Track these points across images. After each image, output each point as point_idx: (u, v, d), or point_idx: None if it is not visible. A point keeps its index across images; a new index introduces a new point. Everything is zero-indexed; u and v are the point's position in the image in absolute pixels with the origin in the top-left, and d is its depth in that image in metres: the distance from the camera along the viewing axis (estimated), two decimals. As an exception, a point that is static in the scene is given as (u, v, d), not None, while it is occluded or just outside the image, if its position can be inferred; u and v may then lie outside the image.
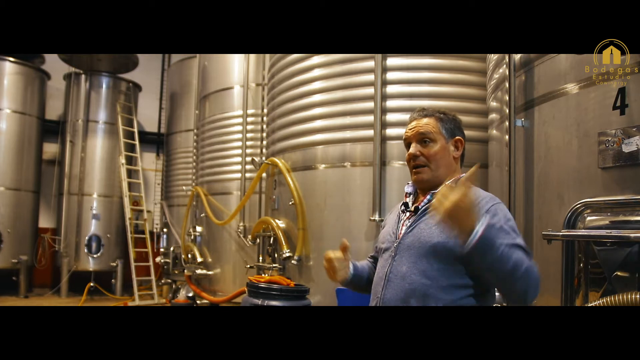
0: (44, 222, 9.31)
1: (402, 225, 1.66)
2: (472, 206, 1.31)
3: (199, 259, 6.01)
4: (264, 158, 4.45)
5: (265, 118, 5.02)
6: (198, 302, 6.25)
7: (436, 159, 1.63)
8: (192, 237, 6.32)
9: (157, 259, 7.73)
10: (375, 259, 1.83)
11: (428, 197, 1.63)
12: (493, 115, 2.71)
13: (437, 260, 1.51)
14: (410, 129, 1.69)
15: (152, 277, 8.33)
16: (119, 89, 9.29)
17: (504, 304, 2.17)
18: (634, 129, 1.59)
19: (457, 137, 1.68)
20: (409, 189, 1.73)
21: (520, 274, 1.36)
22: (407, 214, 1.67)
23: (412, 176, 1.68)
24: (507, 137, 2.21)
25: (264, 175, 4.63)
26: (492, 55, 2.67)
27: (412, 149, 1.66)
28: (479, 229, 1.31)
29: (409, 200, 1.70)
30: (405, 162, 1.72)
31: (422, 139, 1.65)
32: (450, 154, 1.66)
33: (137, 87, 9.64)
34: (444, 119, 1.68)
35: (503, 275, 1.36)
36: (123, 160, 8.73)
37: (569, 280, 1.78)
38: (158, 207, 9.66)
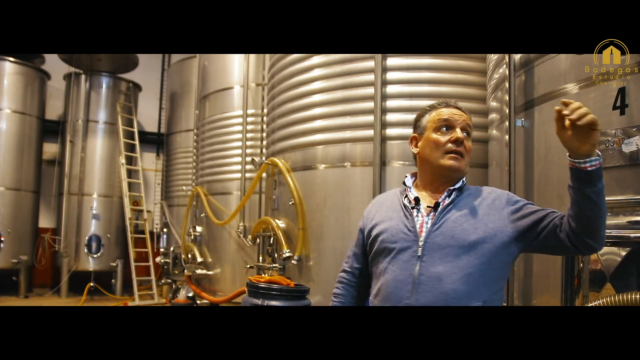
0: (44, 222, 9.31)
1: (422, 222, 1.52)
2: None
3: (199, 259, 6.01)
4: (264, 158, 4.45)
5: (265, 118, 5.02)
6: (198, 302, 6.25)
7: (469, 154, 1.59)
8: (192, 237, 6.32)
9: (157, 259, 7.73)
10: (358, 270, 1.71)
11: (446, 193, 1.55)
12: (493, 115, 2.71)
13: (477, 257, 1.44)
14: (454, 113, 1.59)
15: (152, 277, 8.33)
16: (119, 89, 9.29)
17: (504, 304, 2.17)
18: (634, 129, 1.59)
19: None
20: (409, 182, 1.64)
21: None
22: (421, 209, 1.55)
23: (447, 161, 1.54)
24: (507, 137, 2.21)
25: (264, 175, 4.63)
26: (492, 55, 2.67)
27: (459, 134, 1.55)
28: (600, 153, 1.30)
29: (410, 194, 1.59)
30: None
31: (465, 129, 1.59)
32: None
33: (137, 87, 9.64)
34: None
35: (600, 205, 1.32)
36: (123, 160, 8.73)
37: (569, 280, 1.78)
38: (158, 207, 9.66)
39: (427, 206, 1.56)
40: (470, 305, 1.43)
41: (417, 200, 1.57)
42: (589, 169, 1.30)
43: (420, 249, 1.48)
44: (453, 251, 1.46)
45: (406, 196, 1.61)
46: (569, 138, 1.31)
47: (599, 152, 1.31)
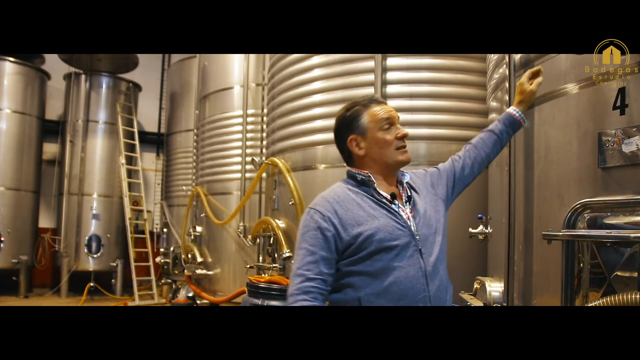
0: (44, 222, 9.31)
1: (407, 217, 1.60)
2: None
3: (199, 259, 6.01)
4: (264, 158, 4.45)
5: (265, 118, 5.02)
6: (198, 302, 6.25)
7: None
8: (192, 237, 6.32)
9: (157, 259, 7.73)
10: (329, 276, 1.52)
11: (405, 186, 1.69)
12: (493, 115, 2.71)
13: (442, 236, 1.66)
14: (390, 111, 1.71)
15: (152, 277, 8.34)
16: (119, 89, 9.30)
17: (504, 304, 2.17)
18: (634, 129, 1.59)
19: None
20: (403, 175, 1.72)
21: None
22: (398, 204, 1.62)
23: (400, 156, 1.66)
24: (507, 137, 2.20)
25: (264, 175, 4.63)
26: (492, 55, 2.67)
27: (405, 129, 1.70)
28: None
29: (382, 192, 1.63)
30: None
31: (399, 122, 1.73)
32: None
33: (137, 87, 9.65)
34: None
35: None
36: (123, 160, 8.74)
37: (569, 280, 1.78)
38: (158, 207, 9.67)
39: (405, 201, 1.66)
40: (449, 285, 1.63)
41: (393, 196, 1.63)
42: (523, 125, 1.93)
43: (419, 242, 1.57)
44: (433, 239, 1.62)
45: (372, 192, 1.62)
46: (531, 93, 1.89)
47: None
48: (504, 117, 1.91)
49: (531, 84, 1.89)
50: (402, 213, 1.60)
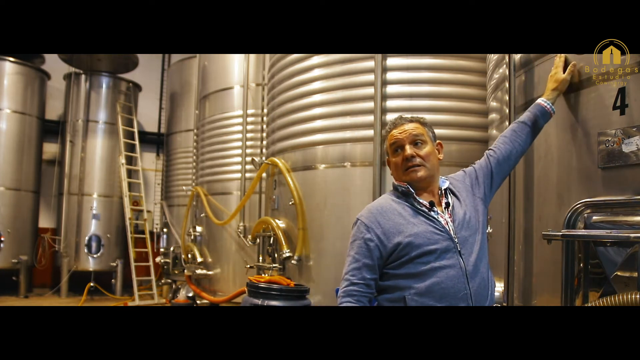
0: (44, 222, 9.31)
1: (445, 222, 1.73)
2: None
3: (199, 259, 6.01)
4: (264, 158, 4.45)
5: (265, 118, 5.02)
6: (198, 302, 6.25)
7: (430, 159, 1.78)
8: (192, 237, 6.32)
9: (157, 259, 7.73)
10: (373, 281, 1.70)
11: (443, 193, 1.80)
12: (493, 115, 2.71)
13: (482, 237, 1.77)
14: (400, 132, 1.80)
15: (152, 277, 8.33)
16: (119, 89, 9.29)
17: (504, 304, 2.17)
18: (634, 129, 1.59)
19: (438, 141, 1.89)
20: (404, 188, 1.78)
21: None
22: (437, 210, 1.75)
23: (405, 176, 1.77)
24: (507, 137, 2.20)
25: (264, 175, 4.63)
26: (492, 55, 2.67)
27: (408, 150, 1.76)
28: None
29: (422, 200, 1.76)
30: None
31: (415, 141, 1.78)
32: (436, 156, 1.83)
33: (137, 87, 9.64)
34: (426, 124, 1.87)
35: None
36: (123, 160, 8.73)
37: (569, 280, 1.78)
38: (158, 207, 9.67)
39: (444, 207, 1.77)
40: (491, 282, 1.74)
41: (431, 203, 1.75)
42: (552, 114, 1.89)
43: (458, 244, 1.69)
44: (473, 239, 1.73)
45: (412, 202, 1.76)
46: (565, 82, 1.84)
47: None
48: (535, 109, 1.91)
49: (565, 73, 1.86)
50: (440, 219, 1.73)
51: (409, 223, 1.71)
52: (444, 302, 1.62)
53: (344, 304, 1.66)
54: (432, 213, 1.73)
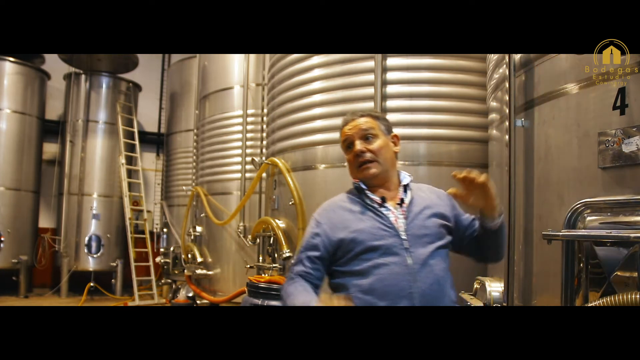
0: (44, 222, 9.30)
1: (395, 218, 1.66)
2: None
3: (199, 259, 6.01)
4: (264, 158, 4.45)
5: (265, 118, 5.02)
6: (198, 302, 6.25)
7: (382, 153, 1.72)
8: (192, 237, 6.32)
9: (157, 259, 7.73)
10: (319, 271, 1.69)
11: (401, 190, 1.73)
12: (493, 115, 2.71)
13: (444, 241, 1.69)
14: (349, 128, 1.75)
15: (152, 277, 8.33)
16: (119, 89, 9.29)
17: (504, 304, 2.17)
18: (634, 129, 1.59)
19: (393, 134, 1.82)
20: (360, 185, 1.74)
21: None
22: (389, 207, 1.69)
23: (358, 173, 1.73)
24: (507, 137, 2.21)
25: (264, 175, 4.63)
26: (492, 55, 2.67)
27: (357, 146, 1.71)
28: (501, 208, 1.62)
29: (374, 196, 1.71)
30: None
31: (365, 135, 1.73)
32: (392, 149, 1.78)
33: (137, 87, 9.64)
34: (379, 117, 1.81)
35: (501, 240, 1.76)
36: (123, 160, 8.73)
37: (569, 280, 1.78)
38: (158, 207, 9.66)
39: (397, 203, 1.71)
40: (447, 285, 1.65)
41: (383, 199, 1.70)
42: (494, 227, 1.69)
43: (406, 241, 1.62)
44: (429, 239, 1.65)
45: (364, 198, 1.72)
46: (476, 199, 1.62)
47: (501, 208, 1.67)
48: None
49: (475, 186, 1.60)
50: (390, 215, 1.67)
51: (356, 219, 1.68)
52: (386, 300, 1.56)
53: (287, 288, 1.66)
54: (382, 209, 1.68)
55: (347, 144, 1.76)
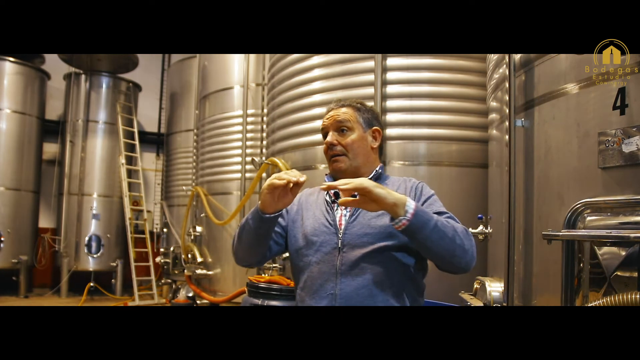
0: (44, 222, 9.31)
1: (341, 215, 1.61)
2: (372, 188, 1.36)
3: (199, 259, 6.01)
4: (264, 158, 4.45)
5: (265, 118, 5.02)
6: (198, 302, 6.25)
7: (353, 147, 1.66)
8: (192, 237, 6.32)
9: (157, 259, 7.73)
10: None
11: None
12: (493, 115, 2.71)
13: (393, 242, 1.52)
14: (327, 118, 1.72)
15: (152, 277, 8.33)
16: (119, 89, 9.29)
17: (504, 304, 2.17)
18: (634, 129, 1.59)
19: (375, 128, 1.72)
20: (329, 179, 1.70)
21: (463, 236, 1.47)
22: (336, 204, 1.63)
23: (330, 165, 1.69)
24: (507, 137, 2.21)
25: (264, 175, 4.63)
26: (492, 55, 2.67)
27: (329, 138, 1.68)
28: (410, 206, 1.37)
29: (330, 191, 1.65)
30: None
31: (340, 127, 1.68)
32: (369, 144, 1.70)
33: (137, 87, 9.64)
34: (361, 108, 1.73)
35: (445, 244, 1.42)
36: (123, 160, 8.74)
37: (569, 280, 1.78)
38: (158, 207, 9.66)
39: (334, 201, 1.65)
40: (387, 291, 1.49)
41: (336, 195, 1.63)
42: (399, 229, 1.39)
43: (340, 240, 1.54)
44: (370, 239, 1.52)
45: (327, 192, 1.66)
46: (363, 204, 1.39)
47: (409, 207, 1.37)
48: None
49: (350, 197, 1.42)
50: (338, 211, 1.62)
51: (312, 210, 1.66)
52: (314, 298, 1.52)
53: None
54: (335, 205, 1.63)
55: (323, 134, 1.74)
